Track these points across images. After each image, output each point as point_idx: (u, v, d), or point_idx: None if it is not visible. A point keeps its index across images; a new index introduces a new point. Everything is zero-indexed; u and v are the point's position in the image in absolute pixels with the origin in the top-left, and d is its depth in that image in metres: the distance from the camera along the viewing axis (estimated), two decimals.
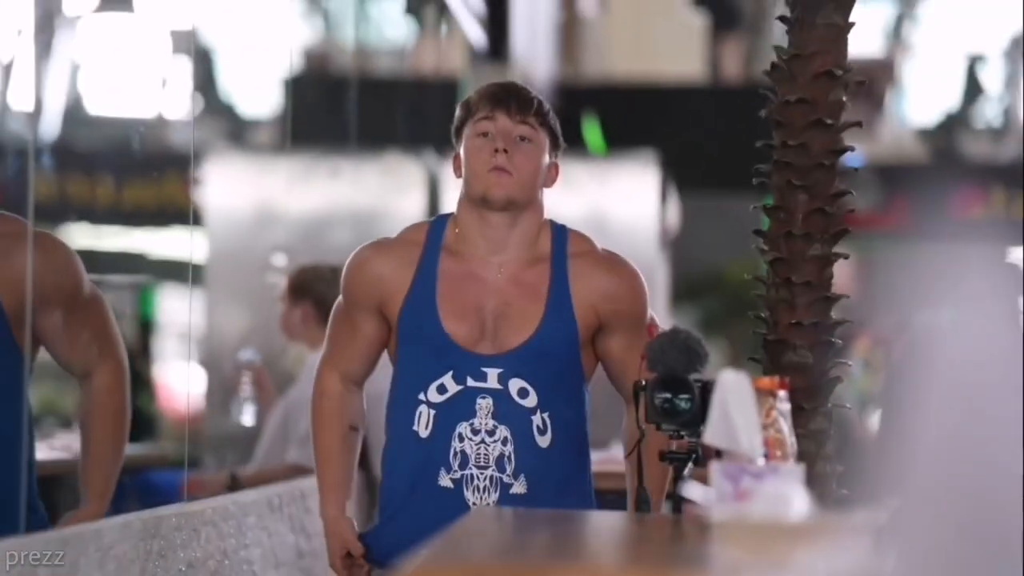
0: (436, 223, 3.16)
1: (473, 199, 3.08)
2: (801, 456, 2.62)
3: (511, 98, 3.09)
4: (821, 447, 3.19)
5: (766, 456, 2.40)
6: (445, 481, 3.04)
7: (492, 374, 3.03)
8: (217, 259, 6.84)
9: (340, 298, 3.19)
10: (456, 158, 3.14)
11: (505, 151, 3.04)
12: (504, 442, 3.03)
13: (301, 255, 6.44)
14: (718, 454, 2.36)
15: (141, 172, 10.21)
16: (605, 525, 2.62)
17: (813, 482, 2.74)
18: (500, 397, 3.03)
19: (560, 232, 3.15)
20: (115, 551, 2.93)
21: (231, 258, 6.81)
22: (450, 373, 3.04)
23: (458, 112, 3.14)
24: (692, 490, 2.35)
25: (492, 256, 3.09)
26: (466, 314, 3.06)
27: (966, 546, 2.17)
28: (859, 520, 2.16)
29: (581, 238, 3.16)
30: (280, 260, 6.44)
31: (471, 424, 3.03)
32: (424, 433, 3.05)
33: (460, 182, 3.14)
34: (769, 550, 2.05)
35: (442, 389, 3.04)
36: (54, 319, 3.23)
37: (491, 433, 3.03)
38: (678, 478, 2.71)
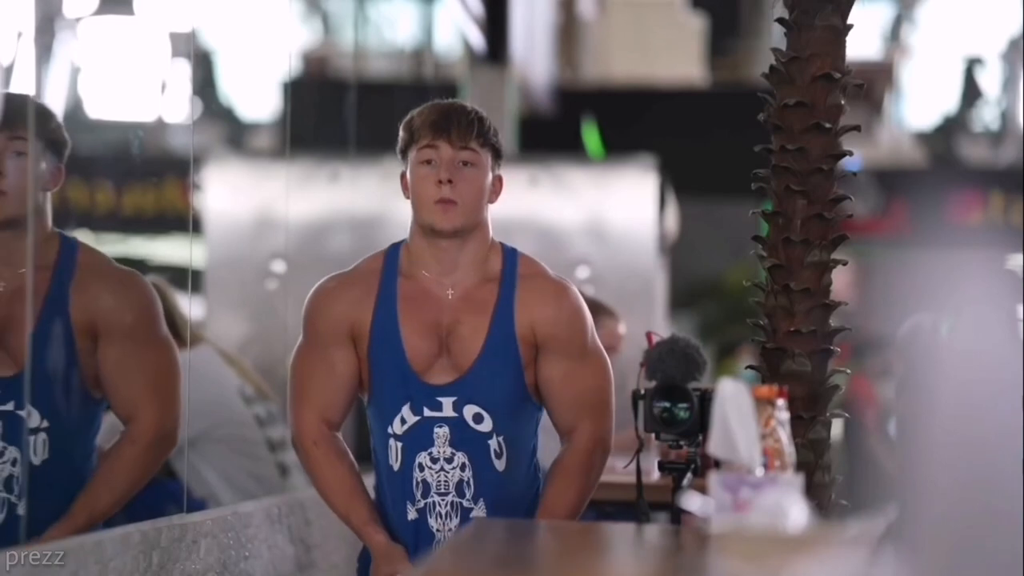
0: (390, 251, 3.20)
1: (422, 227, 3.12)
2: (800, 466, 2.62)
3: (451, 125, 3.11)
4: (820, 456, 3.19)
5: (765, 466, 2.40)
6: (412, 514, 3.10)
7: (447, 403, 3.09)
8: (216, 265, 6.83)
9: (301, 341, 3.20)
10: (403, 178, 3.17)
11: (450, 181, 3.07)
12: (462, 468, 3.08)
13: (300, 261, 6.44)
14: (716, 464, 2.36)
15: (140, 177, 10.20)
16: (604, 536, 2.62)
17: (812, 492, 2.75)
18: (456, 424, 3.09)
19: (511, 254, 3.19)
20: (115, 563, 2.93)
21: (230, 264, 6.81)
22: (408, 404, 3.09)
23: (401, 133, 3.17)
24: (691, 501, 2.35)
25: (443, 277, 3.14)
26: (425, 330, 3.11)
27: (969, 554, 2.16)
28: (857, 530, 2.16)
29: (531, 261, 3.20)
30: (279, 266, 6.44)
31: (430, 453, 3.08)
32: (396, 466, 3.11)
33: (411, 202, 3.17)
34: (768, 561, 2.05)
35: (403, 421, 3.10)
36: (114, 353, 3.21)
37: (449, 460, 3.08)
38: (677, 488, 2.71)
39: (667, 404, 2.73)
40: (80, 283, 3.19)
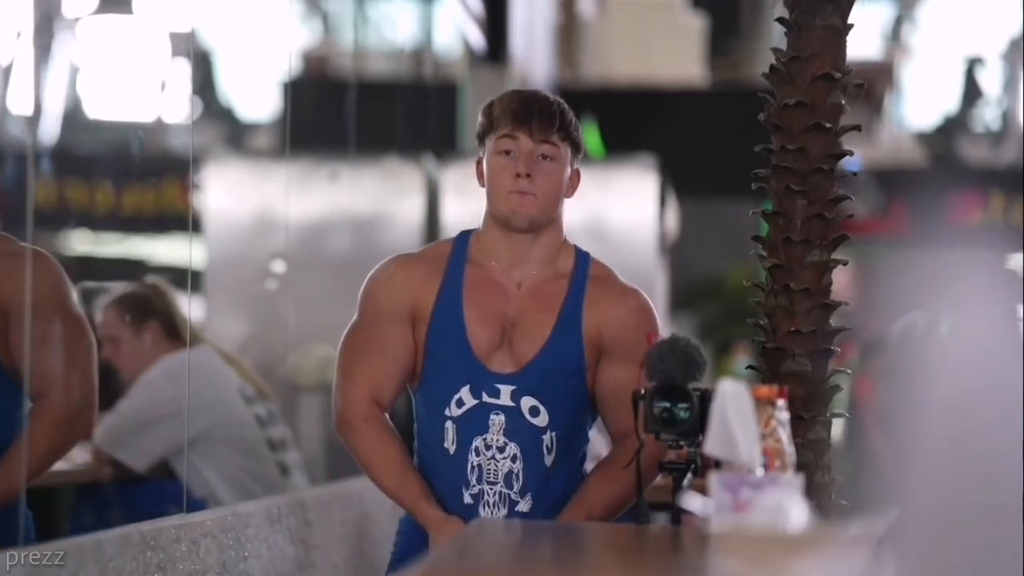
0: (459, 239, 3.17)
1: (496, 217, 3.09)
2: (800, 466, 2.62)
3: (533, 116, 3.05)
4: (820, 457, 3.18)
5: (765, 466, 2.40)
6: (468, 499, 3.05)
7: (505, 391, 3.04)
8: (216, 265, 6.83)
9: (356, 321, 3.14)
10: (479, 164, 3.13)
11: (528, 176, 3.03)
12: (513, 459, 3.04)
13: (300, 261, 6.44)
14: (717, 464, 2.35)
15: (140, 177, 10.21)
16: (605, 536, 2.62)
17: (812, 492, 2.74)
18: (512, 414, 3.04)
19: (584, 256, 3.15)
20: (114, 563, 2.92)
21: (230, 264, 6.81)
22: (467, 387, 3.05)
23: (481, 119, 3.12)
24: (691, 501, 2.34)
25: (513, 270, 3.10)
26: (489, 319, 3.07)
27: (965, 554, 2.16)
28: (858, 531, 2.16)
29: (603, 266, 3.17)
30: (279, 266, 6.43)
31: (484, 439, 3.04)
32: (452, 449, 3.06)
33: (481, 191, 3.13)
34: (768, 561, 2.05)
35: (460, 403, 3.05)
36: (21, 331, 3.15)
37: (501, 450, 3.04)
38: (677, 488, 2.70)
39: (667, 404, 2.72)
40: None
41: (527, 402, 3.04)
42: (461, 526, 3.01)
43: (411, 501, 3.06)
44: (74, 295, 3.27)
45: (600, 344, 3.09)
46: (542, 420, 3.05)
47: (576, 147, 3.12)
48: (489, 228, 3.11)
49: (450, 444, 3.05)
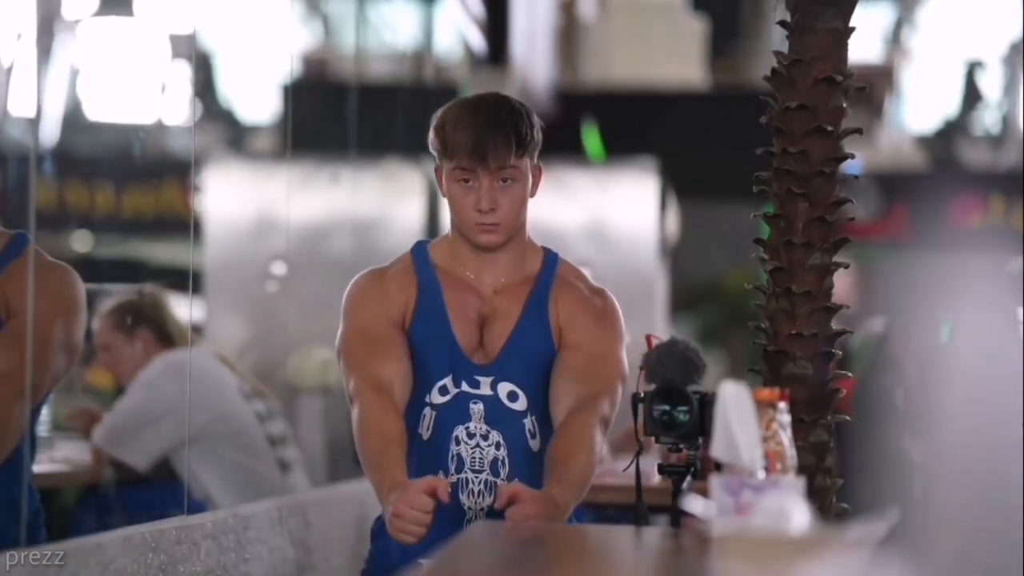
0: (417, 249, 3.17)
1: (462, 234, 3.09)
2: (801, 469, 2.62)
3: (487, 152, 2.99)
4: (821, 460, 3.19)
5: (766, 469, 2.40)
6: None
7: (484, 382, 3.06)
8: (216, 267, 6.83)
9: (348, 331, 3.09)
10: (439, 171, 3.10)
11: (491, 210, 3.02)
12: (497, 447, 3.04)
13: (301, 263, 6.44)
14: (717, 467, 2.36)
15: (140, 179, 10.22)
16: (604, 539, 2.62)
17: (813, 495, 2.74)
18: (490, 402, 3.05)
19: (552, 256, 3.17)
20: (115, 565, 2.93)
21: (231, 266, 6.81)
22: (450, 376, 3.06)
23: (433, 137, 3.06)
24: (692, 503, 2.34)
25: (483, 275, 3.11)
26: (468, 317, 3.08)
27: (977, 553, 2.17)
28: (859, 533, 2.16)
29: (573, 267, 3.18)
30: (280, 268, 6.44)
31: (467, 428, 3.04)
32: (426, 435, 3.06)
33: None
34: (770, 564, 2.05)
35: (444, 390, 3.06)
36: (13, 336, 3.16)
37: (485, 437, 3.05)
38: (677, 491, 2.71)
39: (666, 407, 2.72)
40: (14, 268, 3.19)
41: (504, 388, 3.05)
42: (426, 481, 2.81)
43: (387, 470, 2.86)
44: (83, 321, 3.29)
45: (561, 330, 3.08)
46: (521, 404, 3.05)
47: (536, 148, 3.09)
48: (457, 237, 3.11)
49: (425, 430, 3.05)
